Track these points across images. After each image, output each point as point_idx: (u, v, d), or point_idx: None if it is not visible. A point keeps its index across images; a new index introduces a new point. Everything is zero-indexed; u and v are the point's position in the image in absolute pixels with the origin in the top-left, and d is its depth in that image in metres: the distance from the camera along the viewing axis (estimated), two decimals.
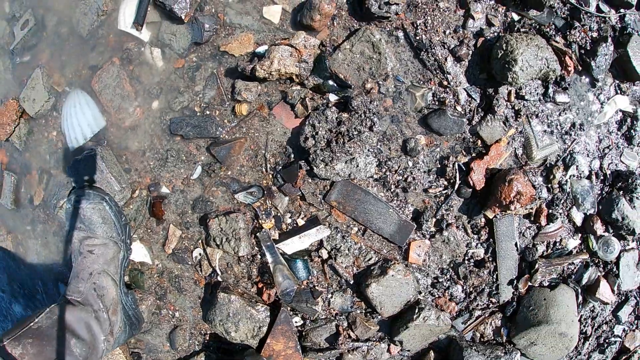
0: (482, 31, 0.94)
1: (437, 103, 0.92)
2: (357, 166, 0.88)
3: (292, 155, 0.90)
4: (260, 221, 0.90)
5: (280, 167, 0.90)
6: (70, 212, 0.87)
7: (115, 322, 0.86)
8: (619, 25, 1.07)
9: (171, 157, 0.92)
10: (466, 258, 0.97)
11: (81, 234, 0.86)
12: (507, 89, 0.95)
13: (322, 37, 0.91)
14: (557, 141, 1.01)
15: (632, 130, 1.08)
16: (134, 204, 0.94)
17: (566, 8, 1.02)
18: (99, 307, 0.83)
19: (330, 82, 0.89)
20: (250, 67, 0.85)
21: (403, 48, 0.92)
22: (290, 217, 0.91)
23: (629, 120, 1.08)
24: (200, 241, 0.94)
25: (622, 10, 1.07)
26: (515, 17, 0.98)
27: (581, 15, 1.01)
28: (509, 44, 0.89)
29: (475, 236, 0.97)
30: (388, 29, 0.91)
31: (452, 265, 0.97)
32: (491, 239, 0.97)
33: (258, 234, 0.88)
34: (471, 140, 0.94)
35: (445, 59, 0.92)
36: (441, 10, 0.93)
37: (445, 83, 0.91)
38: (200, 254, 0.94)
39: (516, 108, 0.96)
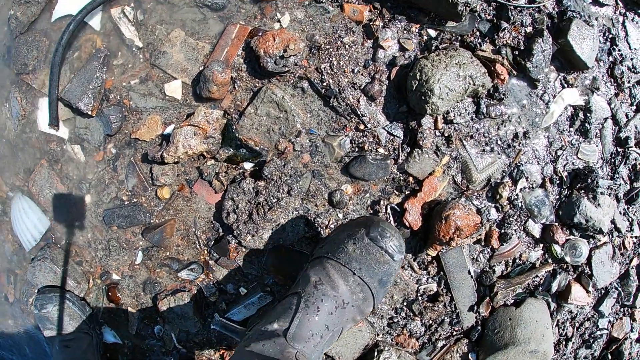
0: (394, 59, 0.81)
1: (356, 149, 0.80)
2: (285, 230, 0.80)
3: (220, 230, 0.84)
4: (206, 295, 0.86)
5: (212, 242, 0.84)
6: (38, 317, 0.89)
7: None
8: (557, 11, 0.89)
9: (113, 246, 0.89)
10: (419, 294, 0.88)
11: (53, 332, 0.88)
12: (431, 118, 0.82)
13: (227, 104, 0.81)
14: (499, 157, 0.87)
15: (586, 124, 0.92)
16: (93, 293, 0.92)
17: (491, 8, 0.86)
18: None
19: (243, 150, 0.80)
20: (158, 154, 0.77)
21: (312, 98, 0.81)
22: (233, 288, 0.86)
23: (580, 114, 0.92)
24: (158, 319, 0.91)
25: None
26: (432, 33, 0.83)
27: (509, 13, 0.84)
28: (423, 72, 0.75)
29: (424, 272, 0.87)
30: (292, 82, 0.80)
31: (405, 303, 0.89)
32: (442, 272, 0.87)
33: (211, 324, 0.82)
34: (402, 178, 0.83)
35: (358, 101, 0.80)
36: (346, 46, 0.80)
37: (361, 127, 0.80)
38: (161, 330, 0.91)
39: (446, 134, 0.83)
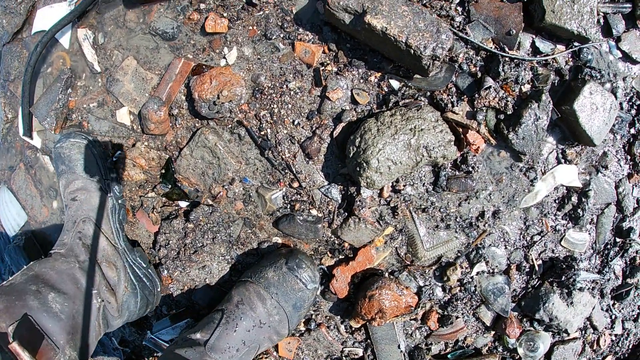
0: (342, 114, 0.69)
1: (288, 207, 0.73)
2: (211, 272, 0.78)
3: (157, 257, 0.84)
4: None
5: (152, 266, 0.85)
6: (55, 154, 0.76)
7: (117, 280, 0.68)
8: (570, 66, 0.68)
9: None
10: (343, 355, 0.83)
11: (63, 179, 0.73)
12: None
13: (169, 139, 0.77)
14: (456, 236, 0.74)
15: (579, 210, 0.74)
16: None
17: (479, 58, 0.68)
18: (86, 258, 0.65)
19: (180, 189, 0.77)
20: None
21: (249, 146, 0.74)
22: (166, 309, 0.88)
23: (574, 197, 0.73)
24: None
25: (575, 44, 0.67)
26: (395, 84, 0.68)
27: (501, 67, 0.66)
28: (364, 138, 0.64)
29: (351, 336, 0.81)
30: (230, 126, 0.73)
31: (328, 359, 0.84)
32: (369, 340, 0.80)
33: (144, 341, 0.86)
34: (336, 242, 0.74)
35: (294, 156, 0.71)
36: (291, 93, 0.70)
37: (295, 184, 0.71)
38: None
39: (392, 205, 0.71)
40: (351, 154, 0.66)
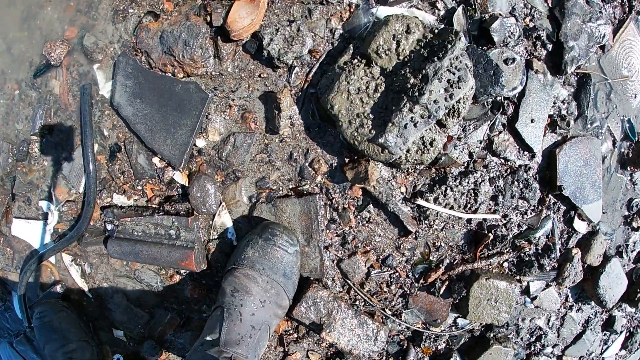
0: None
1: None
2: None
3: None
4: None
5: None
6: (39, 327, 0.90)
7: None
8: (482, 328, 0.94)
9: None
10: None
11: (55, 344, 0.88)
12: None
13: None
14: None
15: None
16: None
17: (409, 332, 0.91)
18: None
19: None
20: None
21: None
22: None
23: None
24: None
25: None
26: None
27: (423, 343, 0.92)
28: None
29: None
30: None
31: None
32: None
33: None
34: None
35: None
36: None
37: None
38: None
39: None
40: None
